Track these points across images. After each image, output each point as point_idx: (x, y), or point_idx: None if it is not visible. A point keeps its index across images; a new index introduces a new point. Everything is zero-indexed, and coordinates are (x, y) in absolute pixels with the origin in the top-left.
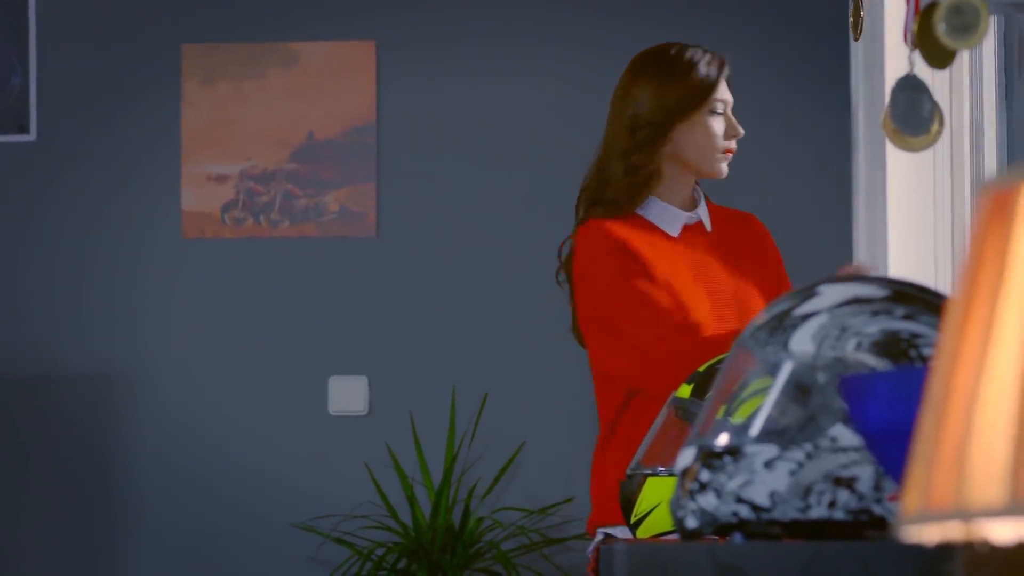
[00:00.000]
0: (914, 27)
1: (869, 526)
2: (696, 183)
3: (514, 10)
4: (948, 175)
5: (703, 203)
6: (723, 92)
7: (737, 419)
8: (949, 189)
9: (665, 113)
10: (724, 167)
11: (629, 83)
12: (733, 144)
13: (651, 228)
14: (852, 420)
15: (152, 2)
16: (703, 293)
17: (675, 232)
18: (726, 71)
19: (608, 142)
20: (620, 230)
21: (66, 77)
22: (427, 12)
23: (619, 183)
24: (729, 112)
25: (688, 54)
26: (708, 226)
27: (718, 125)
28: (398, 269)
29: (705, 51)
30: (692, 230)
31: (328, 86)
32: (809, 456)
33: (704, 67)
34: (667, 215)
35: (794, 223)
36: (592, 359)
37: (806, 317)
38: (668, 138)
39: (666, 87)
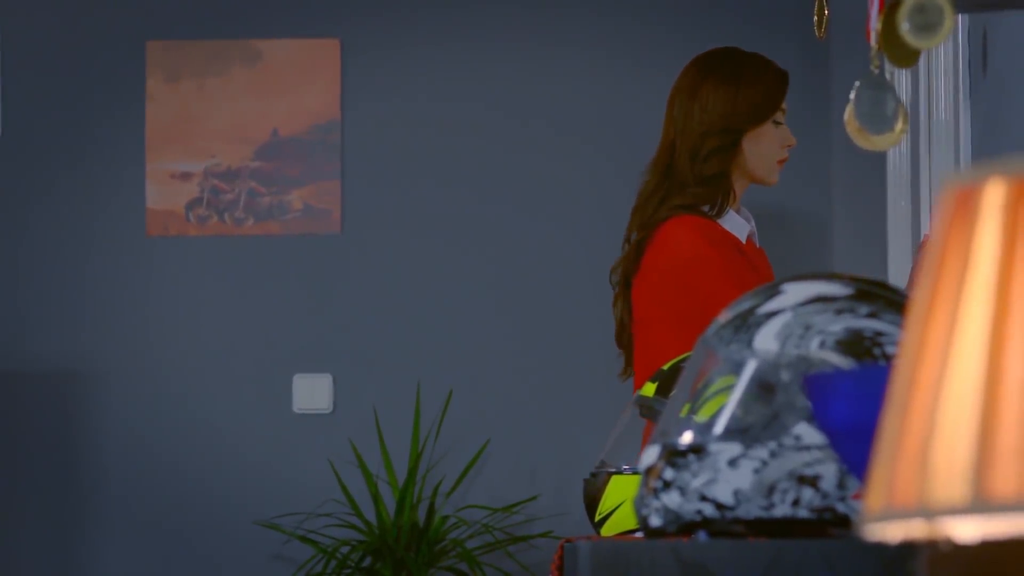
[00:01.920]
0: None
1: (833, 524)
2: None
3: (478, 9)
4: (908, 172)
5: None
6: (783, 104)
7: (701, 417)
8: (909, 186)
9: (739, 120)
10: (776, 177)
11: (696, 84)
12: (787, 154)
13: (724, 233)
14: (816, 418)
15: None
16: None
17: (743, 238)
18: (786, 84)
19: (673, 143)
20: (719, 228)
21: (30, 74)
22: (391, 10)
23: (696, 190)
24: (784, 122)
25: (756, 62)
26: (756, 239)
27: (781, 135)
28: (363, 267)
29: (768, 59)
30: (750, 239)
31: (292, 84)
32: (773, 454)
33: (773, 75)
34: (735, 222)
35: (773, 220)
36: (658, 354)
37: (770, 315)
38: (740, 147)
39: (741, 93)
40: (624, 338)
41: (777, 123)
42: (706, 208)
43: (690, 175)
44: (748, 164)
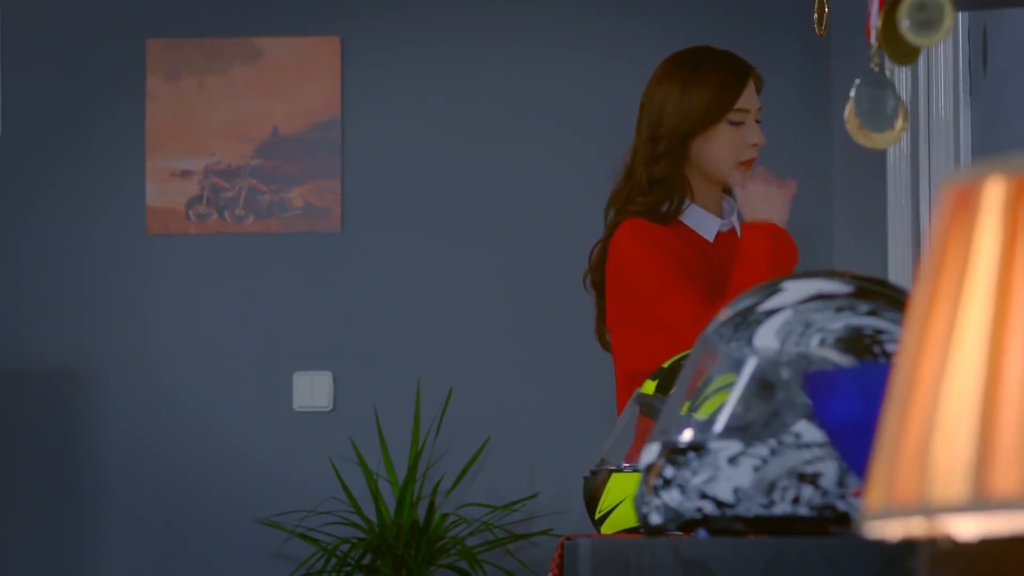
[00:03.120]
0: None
1: (833, 522)
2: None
3: (478, 7)
4: (908, 170)
5: (735, 210)
6: (745, 101)
7: (701, 415)
8: (909, 185)
9: (687, 124)
10: (741, 178)
11: (654, 87)
12: (751, 153)
13: (689, 233)
14: (816, 416)
15: None
16: (715, 307)
17: (711, 237)
18: (751, 78)
19: (635, 147)
20: (659, 230)
21: (31, 72)
22: (392, 8)
23: (647, 194)
24: (752, 121)
25: (713, 62)
26: (739, 233)
27: (736, 137)
28: (363, 265)
29: (731, 58)
30: (723, 236)
31: (293, 82)
32: (773, 452)
33: (726, 77)
34: (703, 221)
35: None
36: (620, 357)
37: (770, 313)
38: (688, 149)
39: (688, 97)
40: (604, 341)
41: (737, 123)
42: (665, 208)
43: (644, 178)
44: (701, 166)
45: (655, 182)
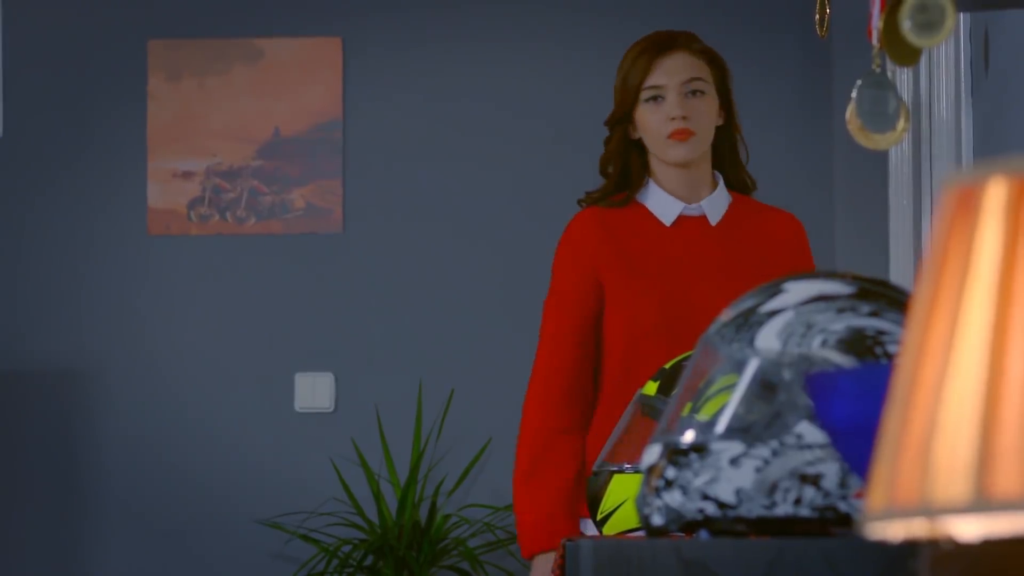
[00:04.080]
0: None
1: (835, 523)
2: (714, 175)
3: (480, 8)
4: (910, 171)
5: (717, 195)
6: (657, 77)
7: (703, 416)
8: (910, 185)
9: (616, 110)
10: (676, 152)
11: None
12: (677, 125)
13: (646, 217)
14: (818, 417)
15: None
16: (669, 290)
17: (668, 221)
18: (676, 50)
19: None
20: (599, 224)
21: (33, 74)
22: (393, 9)
23: (604, 183)
24: (672, 95)
25: (635, 45)
26: (713, 220)
27: (657, 113)
28: (364, 265)
29: (653, 37)
30: (690, 222)
31: (294, 82)
32: (775, 453)
33: (635, 58)
34: (663, 204)
35: None
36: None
37: (772, 314)
38: (630, 132)
39: (618, 78)
40: None
41: (657, 98)
42: (613, 193)
43: (600, 166)
44: (647, 146)
45: (608, 168)
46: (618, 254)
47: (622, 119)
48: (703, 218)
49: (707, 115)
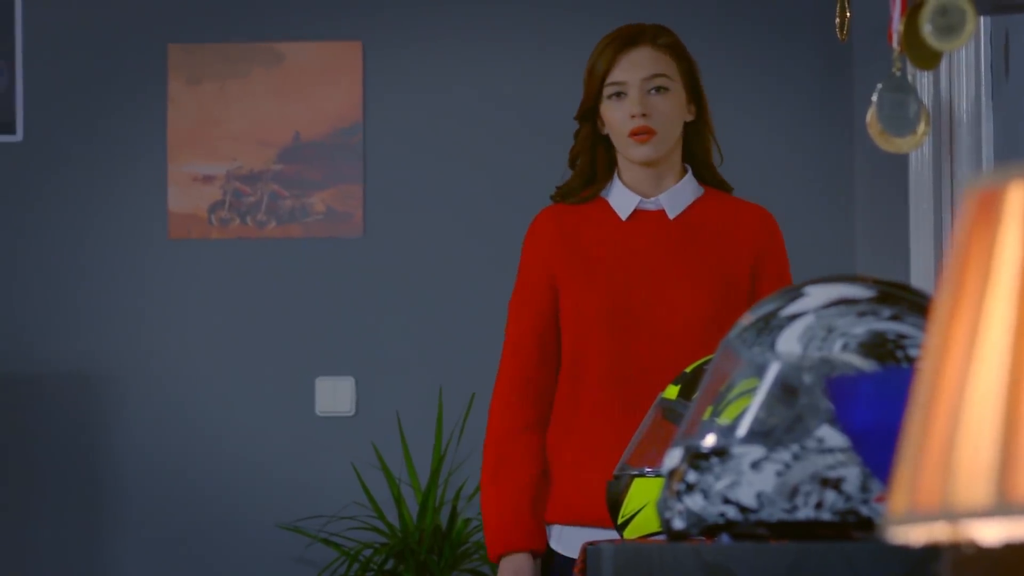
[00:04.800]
0: (900, 28)
1: (856, 527)
2: (686, 168)
3: (500, 9)
4: (930, 174)
5: (677, 189)
6: (619, 73)
7: (724, 420)
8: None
9: (586, 103)
10: (637, 152)
11: None
12: (637, 123)
13: (606, 212)
14: (839, 421)
15: (138, 2)
16: (617, 283)
17: (624, 216)
18: (642, 45)
19: None
20: (556, 221)
21: (52, 78)
22: (414, 13)
23: (573, 171)
24: (633, 91)
25: (601, 40)
26: (671, 214)
27: (619, 110)
28: (385, 270)
29: (618, 32)
30: (647, 216)
31: (314, 86)
32: (796, 457)
33: (598, 54)
34: (621, 198)
35: (795, 222)
36: None
37: (793, 318)
38: (599, 126)
39: (584, 76)
40: None
41: (620, 94)
42: (586, 188)
43: (568, 162)
44: (612, 141)
45: (574, 164)
46: (571, 250)
47: (588, 113)
48: (661, 212)
49: (670, 112)
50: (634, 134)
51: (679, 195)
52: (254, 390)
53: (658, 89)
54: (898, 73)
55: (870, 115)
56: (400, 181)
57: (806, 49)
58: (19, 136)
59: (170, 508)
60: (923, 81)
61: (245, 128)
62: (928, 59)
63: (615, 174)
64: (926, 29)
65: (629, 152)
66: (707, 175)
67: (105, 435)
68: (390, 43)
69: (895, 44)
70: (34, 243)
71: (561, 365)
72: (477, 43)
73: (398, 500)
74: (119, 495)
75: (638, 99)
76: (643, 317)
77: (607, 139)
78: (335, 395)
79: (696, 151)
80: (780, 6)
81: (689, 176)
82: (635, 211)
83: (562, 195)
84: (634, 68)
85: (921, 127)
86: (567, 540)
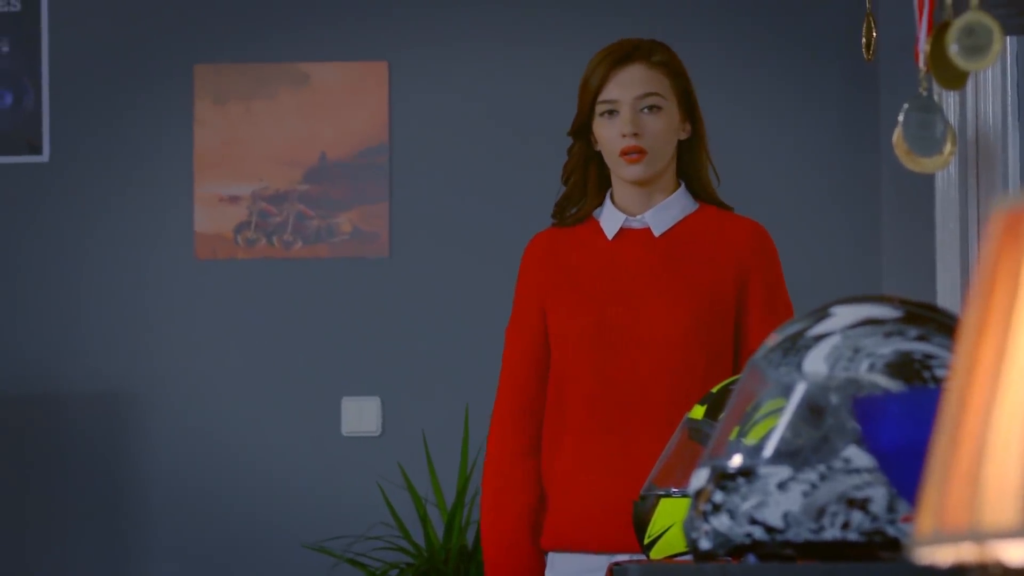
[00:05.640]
0: (926, 48)
1: (883, 547)
2: (679, 183)
3: (527, 31)
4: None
5: (664, 206)
6: (611, 91)
7: (750, 440)
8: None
9: (579, 120)
10: (628, 172)
11: None
12: (628, 143)
13: (595, 232)
14: (865, 441)
15: (164, 22)
16: (600, 303)
17: (610, 235)
18: (635, 62)
19: None
20: (546, 245)
21: (78, 98)
22: (439, 33)
23: (565, 187)
24: (626, 110)
25: (595, 56)
26: (657, 231)
27: (610, 129)
28: (411, 289)
29: (611, 48)
30: (633, 234)
31: (340, 107)
32: (823, 477)
33: (591, 70)
34: (608, 218)
35: (821, 242)
36: None
37: (819, 338)
38: (590, 145)
39: (578, 92)
40: None
41: (610, 112)
42: (574, 209)
43: (562, 176)
44: (604, 159)
45: (567, 181)
46: (559, 273)
47: (581, 129)
48: (647, 230)
49: (663, 132)
50: (625, 153)
51: (665, 212)
52: (280, 410)
53: (651, 108)
54: (924, 93)
55: (896, 135)
56: (426, 201)
57: (832, 69)
58: (45, 156)
59: (196, 528)
60: (950, 101)
61: (271, 148)
62: (955, 79)
63: (608, 193)
64: (952, 49)
65: (620, 171)
66: (702, 193)
67: (132, 455)
68: (416, 63)
69: (921, 64)
70: (61, 263)
71: (548, 388)
72: (503, 63)
73: (424, 520)
74: (146, 515)
75: (630, 118)
76: (623, 336)
77: (600, 155)
78: (361, 415)
79: (690, 169)
80: (807, 26)
81: (679, 193)
82: (621, 230)
83: (558, 213)
84: (626, 86)
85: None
86: (559, 567)
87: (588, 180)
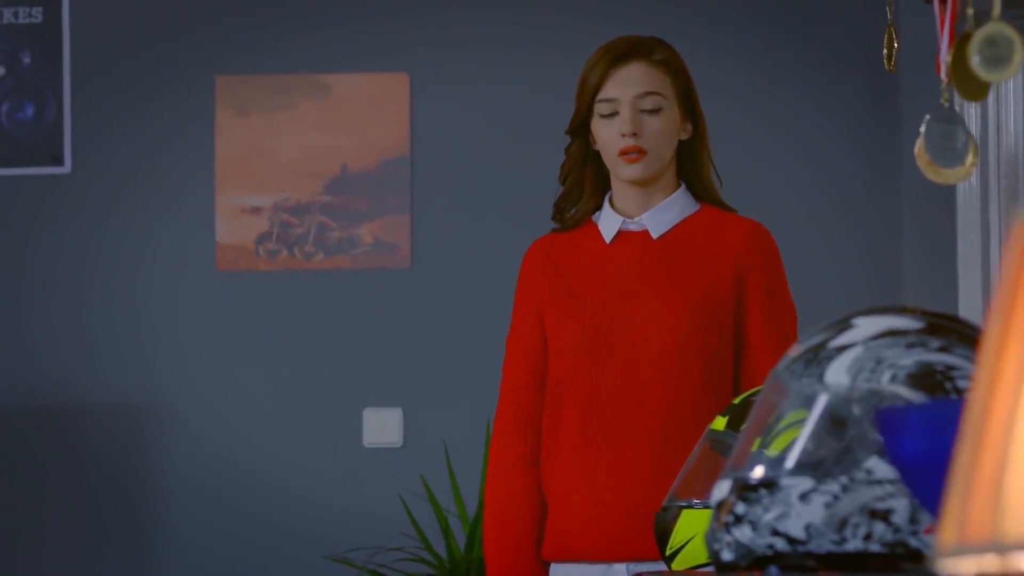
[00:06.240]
0: (948, 59)
1: (905, 559)
2: (679, 184)
3: (549, 42)
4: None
5: (663, 207)
6: (610, 89)
7: (772, 451)
8: (979, 219)
9: (577, 118)
10: (627, 172)
11: None
12: (627, 143)
13: (593, 236)
14: (887, 452)
15: (185, 33)
16: (596, 307)
17: (607, 238)
18: (635, 61)
19: None
20: (544, 251)
21: (100, 109)
22: (461, 44)
23: (563, 187)
24: (626, 109)
25: (594, 52)
26: (655, 234)
27: (609, 129)
28: (432, 300)
29: (611, 46)
30: (631, 237)
31: (362, 118)
32: (845, 488)
33: (590, 68)
34: (606, 221)
35: (842, 252)
36: None
37: (841, 349)
38: (588, 146)
39: (577, 90)
40: None
41: (608, 114)
42: (572, 211)
43: (560, 175)
44: (603, 158)
45: (563, 184)
46: (556, 279)
47: (579, 128)
48: (645, 232)
49: (663, 132)
50: (624, 153)
51: (664, 213)
52: (302, 421)
53: (651, 107)
54: (946, 104)
55: (918, 146)
56: (447, 212)
57: (853, 80)
58: (67, 168)
59: (218, 539)
60: (971, 112)
61: (293, 160)
62: (976, 90)
63: (607, 196)
64: (974, 60)
65: (618, 171)
66: (703, 194)
67: (152, 466)
68: (437, 75)
69: (943, 75)
70: (81, 275)
71: (547, 393)
72: (524, 75)
73: (446, 531)
74: (167, 526)
75: (629, 118)
76: (618, 341)
77: (598, 154)
78: (383, 426)
79: (691, 170)
80: (828, 37)
81: (678, 194)
82: (619, 232)
83: (557, 213)
84: (626, 85)
85: (969, 158)
86: None
87: (586, 179)
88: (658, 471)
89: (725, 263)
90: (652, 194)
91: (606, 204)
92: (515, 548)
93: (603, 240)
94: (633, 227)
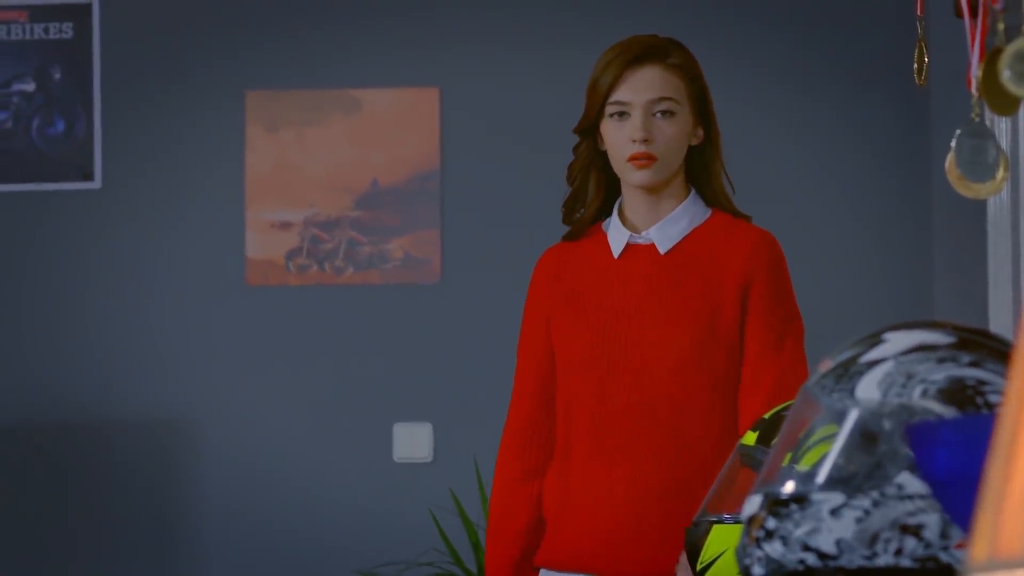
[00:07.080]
0: (978, 73)
1: (936, 574)
2: (689, 190)
3: (579, 57)
4: (1009, 220)
5: (669, 221)
6: (623, 92)
7: (803, 466)
8: (1010, 234)
9: (587, 119)
10: (636, 177)
11: None
12: (638, 148)
13: (603, 248)
14: (919, 467)
15: (216, 49)
16: (603, 323)
17: (615, 253)
18: (650, 64)
19: None
20: (555, 261)
21: (130, 124)
22: (491, 59)
23: (570, 188)
24: (637, 112)
25: (604, 54)
26: (662, 248)
27: (620, 132)
28: (462, 315)
29: (625, 46)
30: (639, 251)
31: (392, 133)
32: (875, 504)
33: (602, 70)
34: (615, 234)
35: (873, 267)
36: None
37: (872, 364)
38: (595, 150)
39: (587, 89)
40: None
41: (620, 115)
42: (578, 217)
43: (567, 175)
44: (611, 162)
45: (571, 185)
46: (563, 291)
47: (589, 128)
48: (652, 247)
49: (674, 138)
50: (634, 159)
51: (672, 226)
52: (332, 436)
53: (664, 113)
54: (977, 119)
55: (949, 160)
56: (477, 227)
57: (884, 94)
58: (98, 183)
59: (247, 554)
60: (1002, 127)
61: (323, 175)
62: (1007, 105)
63: (617, 204)
64: (1005, 75)
65: (627, 176)
66: (714, 200)
67: (182, 481)
68: (467, 89)
69: (974, 89)
70: (112, 289)
71: (557, 407)
72: (555, 89)
73: (476, 546)
74: (196, 541)
75: (641, 123)
76: (624, 358)
77: (605, 155)
78: (413, 441)
79: (700, 175)
80: (859, 51)
81: (688, 202)
82: (628, 247)
83: (567, 214)
84: (640, 89)
85: (1000, 173)
86: None
87: (591, 182)
88: (665, 488)
89: (730, 274)
90: (661, 201)
91: (615, 215)
92: (510, 563)
93: (611, 254)
94: (641, 241)
